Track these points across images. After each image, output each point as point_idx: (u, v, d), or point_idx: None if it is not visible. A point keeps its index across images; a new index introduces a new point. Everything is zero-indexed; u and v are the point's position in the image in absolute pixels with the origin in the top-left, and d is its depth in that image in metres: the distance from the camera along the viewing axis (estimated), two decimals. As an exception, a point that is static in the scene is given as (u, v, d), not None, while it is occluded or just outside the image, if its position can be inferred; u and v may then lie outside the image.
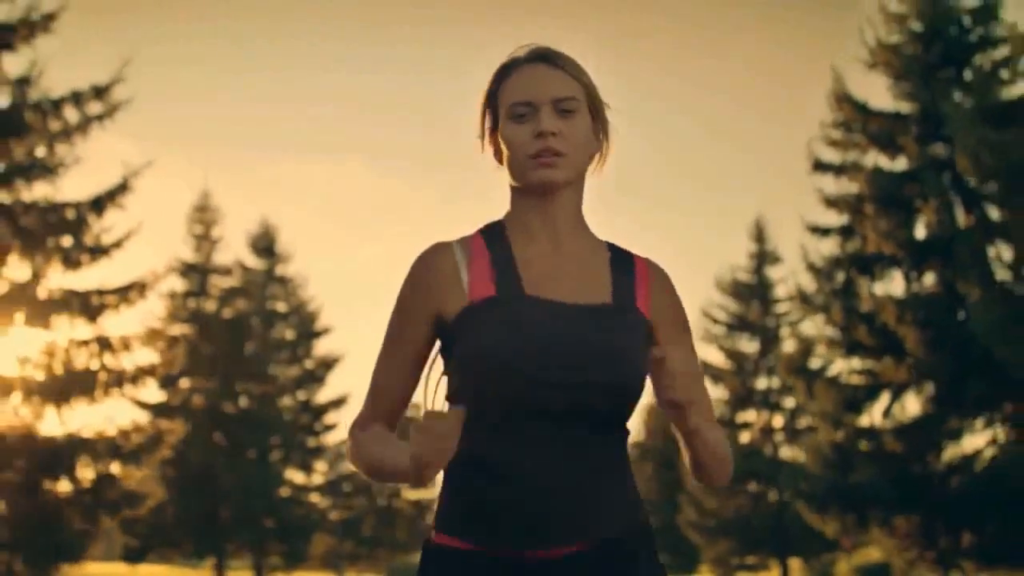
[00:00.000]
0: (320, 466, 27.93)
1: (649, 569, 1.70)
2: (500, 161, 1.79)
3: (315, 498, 27.60)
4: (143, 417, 20.32)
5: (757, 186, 34.20)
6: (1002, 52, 13.45)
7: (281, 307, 27.92)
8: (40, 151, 12.32)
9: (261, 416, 25.52)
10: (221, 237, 25.52)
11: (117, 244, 13.23)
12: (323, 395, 27.60)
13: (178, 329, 24.03)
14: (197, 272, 24.95)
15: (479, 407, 1.66)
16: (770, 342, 26.59)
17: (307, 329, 27.88)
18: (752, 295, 27.56)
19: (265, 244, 27.98)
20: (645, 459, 37.32)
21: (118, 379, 12.63)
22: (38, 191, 12.51)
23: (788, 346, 15.12)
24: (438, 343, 1.75)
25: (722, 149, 38.77)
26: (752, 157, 39.82)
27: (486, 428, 1.66)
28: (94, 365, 12.59)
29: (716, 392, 27.62)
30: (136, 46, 34.87)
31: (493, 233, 1.78)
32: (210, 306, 25.09)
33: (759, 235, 28.17)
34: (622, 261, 1.79)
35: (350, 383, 33.85)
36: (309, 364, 27.69)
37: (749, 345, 27.18)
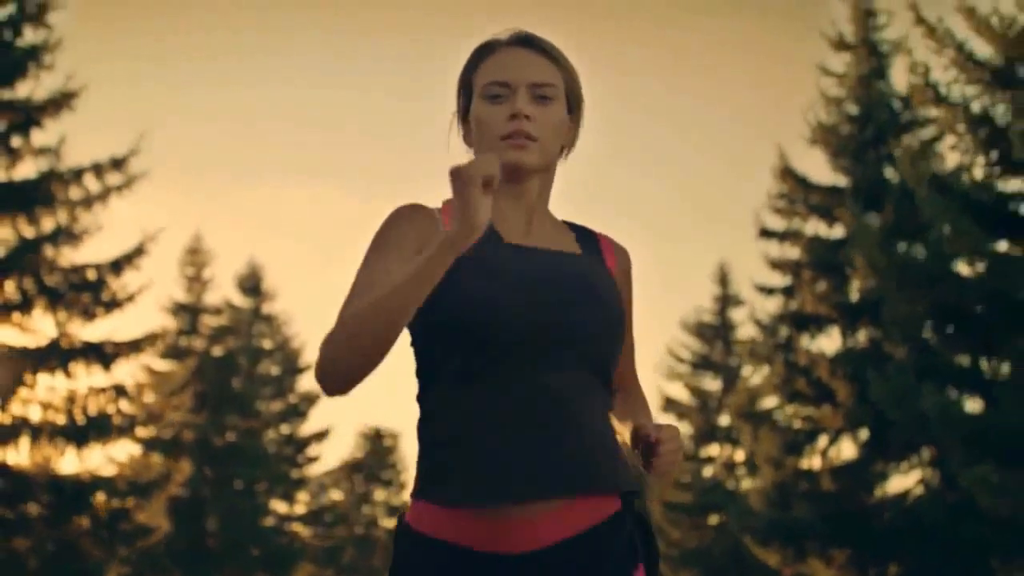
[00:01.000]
0: (303, 496, 29.34)
1: (637, 551, 1.66)
2: (469, 144, 1.77)
3: (298, 527, 28.95)
4: (135, 450, 21.65)
5: (723, 232, 35.93)
6: (930, 132, 15.15)
7: (267, 344, 29.36)
8: (63, 218, 13.78)
9: (247, 449, 26.89)
10: (212, 278, 26.96)
11: (130, 298, 14.72)
12: (306, 428, 29.01)
13: (168, 366, 25.40)
14: (188, 312, 26.37)
15: (460, 354, 1.62)
16: (732, 381, 28.20)
17: (291, 365, 29.31)
18: (715, 336, 29.22)
19: (252, 284, 29.42)
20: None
21: (131, 423, 14.08)
22: (62, 252, 13.97)
23: (739, 394, 16.69)
24: None
25: (693, 201, 40.55)
26: (718, 207, 41.67)
27: (467, 374, 1.61)
28: (110, 409, 14.03)
29: (682, 427, 29.14)
30: (150, 116, 36.55)
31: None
32: (200, 344, 26.48)
33: (722, 279, 29.84)
34: (586, 236, 1.81)
35: (331, 418, 35.30)
36: (293, 399, 29.12)
37: (712, 383, 28.82)
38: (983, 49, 9.60)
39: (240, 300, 29.15)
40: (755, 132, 36.67)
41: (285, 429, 28.72)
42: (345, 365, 1.55)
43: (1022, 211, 8.83)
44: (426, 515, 1.63)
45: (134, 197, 14.44)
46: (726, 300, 29.54)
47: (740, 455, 28.00)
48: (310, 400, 29.04)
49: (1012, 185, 8.48)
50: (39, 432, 13.46)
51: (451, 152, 1.79)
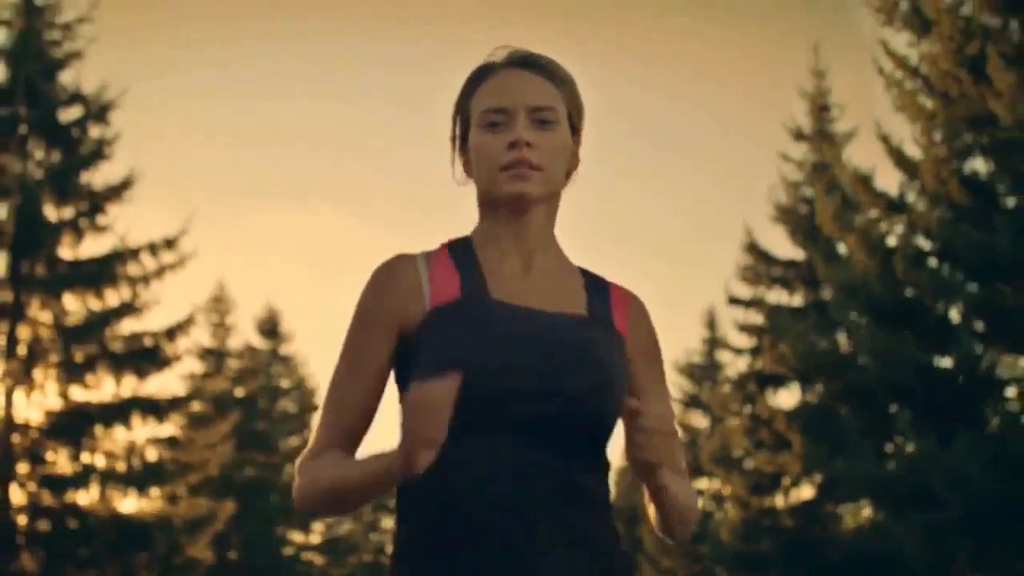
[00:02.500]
0: (317, 527, 31.67)
1: None
2: (469, 174, 1.68)
3: (313, 556, 31.27)
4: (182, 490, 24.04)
5: (715, 275, 38.33)
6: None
7: (284, 383, 31.78)
8: (126, 294, 16.21)
9: (267, 483, 29.26)
10: (235, 324, 29.40)
11: (179, 358, 17.12)
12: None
13: (197, 406, 27.81)
14: (214, 356, 28.79)
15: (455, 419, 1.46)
16: (719, 419, 30.57)
17: (307, 403, 31.76)
18: (704, 376, 31.55)
19: (270, 327, 31.84)
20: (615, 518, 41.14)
21: (183, 468, 16.47)
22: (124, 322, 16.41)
23: (712, 440, 19.05)
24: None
25: (682, 245, 42.88)
26: (712, 255, 44.05)
27: (452, 445, 1.47)
28: (164, 456, 16.42)
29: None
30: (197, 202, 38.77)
31: (459, 245, 1.67)
32: (225, 385, 28.88)
33: (710, 323, 32.21)
34: (596, 284, 1.69)
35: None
36: (308, 435, 31.49)
37: (701, 421, 31.16)
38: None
39: (259, 342, 31.59)
40: (726, 204, 39.45)
41: (301, 464, 31.07)
42: (317, 513, 1.60)
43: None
44: None
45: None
46: (713, 343, 31.90)
47: (728, 489, 30.44)
48: (324, 436, 31.42)
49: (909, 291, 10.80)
50: (105, 477, 15.83)
51: (456, 184, 1.71)
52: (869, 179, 12.46)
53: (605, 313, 1.65)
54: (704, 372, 32.01)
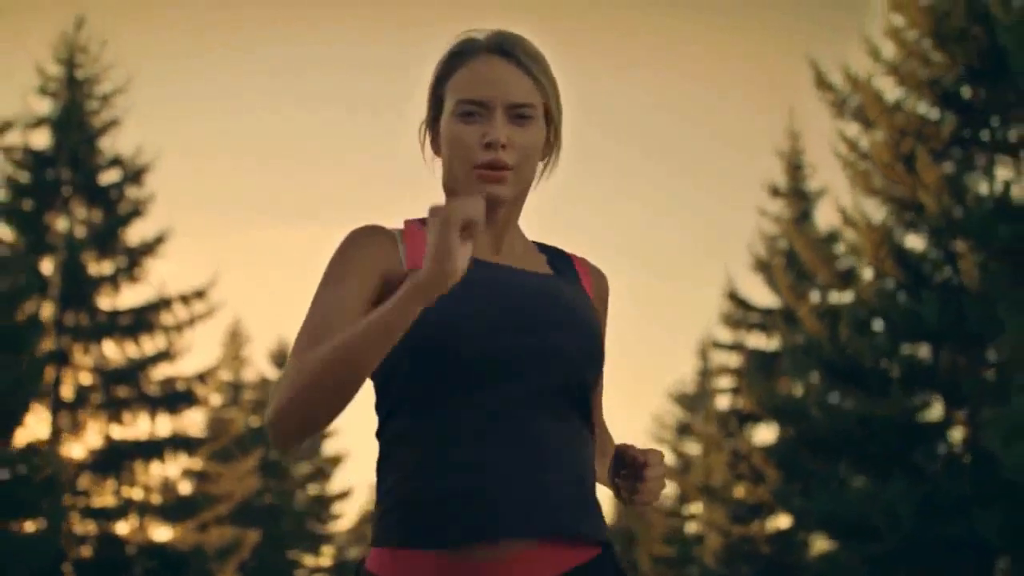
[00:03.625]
0: (328, 550, 33.37)
1: None
2: (436, 153, 1.65)
3: (323, 578, 32.96)
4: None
5: (705, 309, 40.20)
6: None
7: (295, 412, 33.56)
8: (161, 343, 17.99)
9: (279, 509, 30.98)
10: (249, 357, 31.19)
11: (207, 399, 18.87)
12: (330, 489, 33.10)
13: (204, 431, 29.62)
14: (231, 388, 30.56)
15: (421, 382, 1.51)
16: (712, 447, 32.33)
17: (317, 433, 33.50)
18: (697, 405, 33.30)
19: (281, 358, 33.60)
20: (613, 539, 42.79)
21: (212, 500, 18.21)
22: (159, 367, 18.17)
23: (696, 472, 20.76)
24: None
25: (675, 284, 44.63)
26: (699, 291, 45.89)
27: (430, 405, 1.50)
28: (195, 489, 18.17)
29: (668, 488, 33.13)
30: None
31: (424, 223, 1.65)
32: (240, 416, 30.65)
33: (703, 354, 33.97)
34: (559, 258, 1.71)
35: (353, 478, 39.34)
36: (319, 462, 33.23)
37: (694, 448, 32.88)
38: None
39: (271, 373, 33.35)
40: (709, 252, 41.46)
41: (312, 489, 32.81)
42: (300, 417, 1.42)
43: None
44: (388, 560, 1.51)
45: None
46: (706, 373, 33.63)
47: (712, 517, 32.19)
48: (334, 462, 33.16)
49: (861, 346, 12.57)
50: (142, 509, 17.57)
51: (428, 165, 1.66)
52: (828, 247, 14.21)
53: (573, 276, 1.67)
54: (696, 401, 33.79)
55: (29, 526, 12.47)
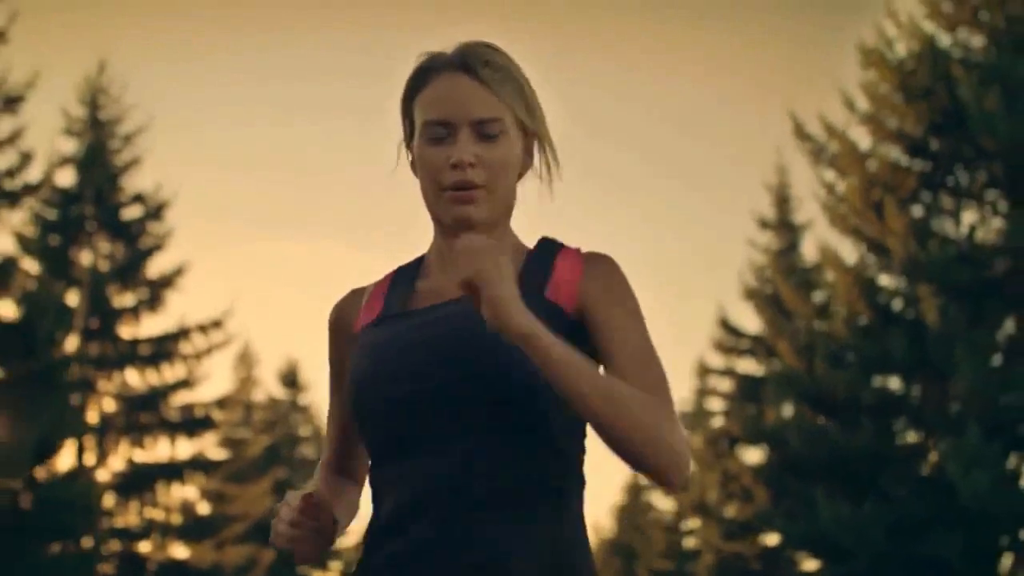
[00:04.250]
0: (335, 566, 34.40)
1: None
2: (415, 172, 1.63)
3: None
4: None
5: (704, 326, 41.31)
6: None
7: (303, 431, 34.61)
8: (181, 372, 19.07)
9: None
10: (259, 377, 32.25)
11: (224, 422, 19.94)
12: (337, 505, 34.14)
13: (221, 454, 30.70)
14: (243, 407, 31.61)
15: (368, 444, 1.56)
16: (705, 467, 33.36)
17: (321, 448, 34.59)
18: (696, 425, 34.35)
19: (290, 378, 34.70)
20: (614, 554, 43.79)
21: (229, 521, 19.27)
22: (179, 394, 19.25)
23: (690, 491, 21.77)
24: None
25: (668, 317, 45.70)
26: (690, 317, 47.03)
27: (373, 466, 1.56)
28: (214, 510, 19.23)
29: (665, 503, 34.23)
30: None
31: (406, 268, 1.69)
32: (251, 435, 31.72)
33: (701, 372, 35.01)
34: (544, 256, 1.61)
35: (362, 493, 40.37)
36: (326, 479, 34.35)
37: (692, 466, 33.88)
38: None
39: (280, 392, 34.43)
40: (711, 266, 42.66)
41: (320, 506, 33.83)
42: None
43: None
44: None
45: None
46: (703, 392, 34.65)
47: (706, 535, 33.24)
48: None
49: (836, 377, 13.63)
50: (165, 530, 18.63)
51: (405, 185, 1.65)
52: (808, 282, 15.27)
53: (537, 285, 1.55)
54: (694, 420, 34.80)
55: (67, 548, 13.49)
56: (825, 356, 13.73)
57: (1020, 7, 13.42)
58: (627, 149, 39.47)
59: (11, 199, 12.59)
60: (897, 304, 13.49)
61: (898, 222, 12.79)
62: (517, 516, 1.46)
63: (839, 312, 13.97)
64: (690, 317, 47.83)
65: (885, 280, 13.76)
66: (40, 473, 13.26)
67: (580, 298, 1.56)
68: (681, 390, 42.70)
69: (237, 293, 20.24)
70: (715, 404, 21.34)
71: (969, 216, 13.97)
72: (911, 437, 13.31)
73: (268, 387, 34.86)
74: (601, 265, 1.59)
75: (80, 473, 17.63)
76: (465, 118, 1.55)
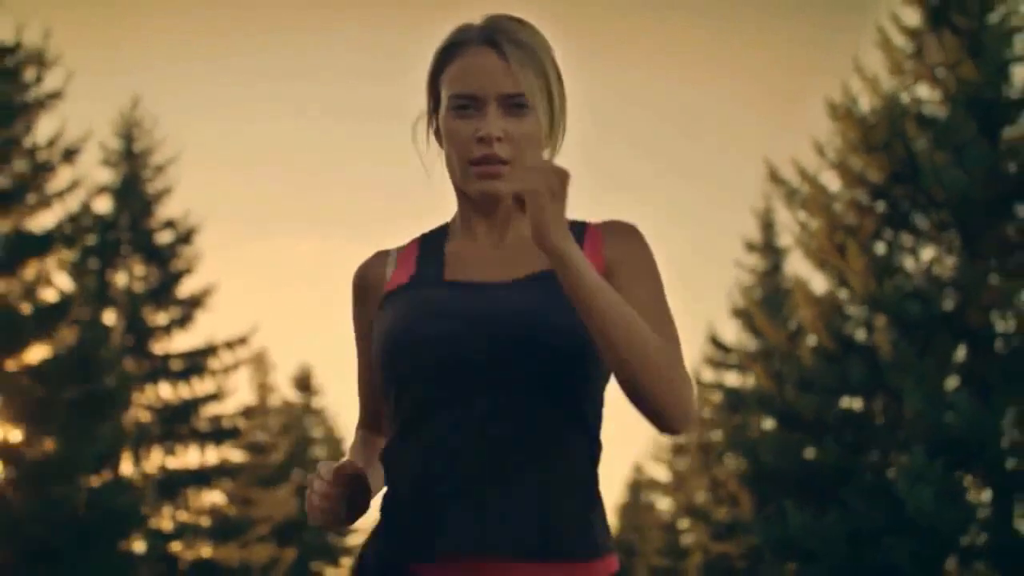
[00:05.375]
0: (345, 561, 36.18)
1: None
2: (441, 145, 1.68)
3: (343, 588, 35.79)
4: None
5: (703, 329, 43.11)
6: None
7: (316, 432, 36.41)
8: (210, 386, 20.85)
9: (304, 524, 33.82)
10: (274, 384, 34.03)
11: (248, 430, 21.71)
12: (349, 504, 35.93)
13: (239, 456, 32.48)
14: (258, 412, 33.39)
15: (395, 402, 1.59)
16: (695, 472, 35.16)
17: (337, 452, 36.32)
18: (690, 431, 36.09)
19: (304, 383, 36.49)
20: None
21: (254, 522, 21.04)
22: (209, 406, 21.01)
23: (682, 494, 23.52)
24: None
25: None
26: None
27: (401, 424, 1.58)
28: (239, 512, 21.00)
29: (662, 503, 35.99)
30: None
31: (432, 234, 1.74)
32: (267, 438, 33.49)
33: (696, 378, 36.77)
34: (572, 231, 1.66)
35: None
36: (338, 480, 36.14)
37: (686, 464, 35.70)
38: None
39: (294, 396, 36.23)
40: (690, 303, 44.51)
41: (332, 505, 35.64)
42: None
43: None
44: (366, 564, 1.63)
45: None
46: (701, 388, 36.45)
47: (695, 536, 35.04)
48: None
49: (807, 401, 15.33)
50: (195, 531, 20.41)
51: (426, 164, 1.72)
52: (781, 309, 16.99)
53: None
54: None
55: (119, 549, 15.25)
56: (794, 380, 15.46)
57: (972, 69, 15.10)
58: (632, 156, 41.09)
59: (68, 242, 14.28)
60: (859, 334, 15.21)
61: (859, 262, 14.51)
62: (548, 477, 1.50)
63: (808, 338, 15.71)
64: (689, 330, 49.58)
65: (849, 311, 15.47)
66: (93, 481, 15.01)
67: (606, 265, 1.62)
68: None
69: (243, 292, 21.76)
70: (706, 412, 23.09)
71: (928, 253, 15.66)
72: (870, 454, 15.01)
73: (283, 391, 36.73)
74: (620, 232, 1.66)
75: (120, 481, 19.41)
76: (493, 92, 1.58)
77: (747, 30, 36.76)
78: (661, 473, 36.16)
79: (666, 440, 36.32)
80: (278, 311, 47.09)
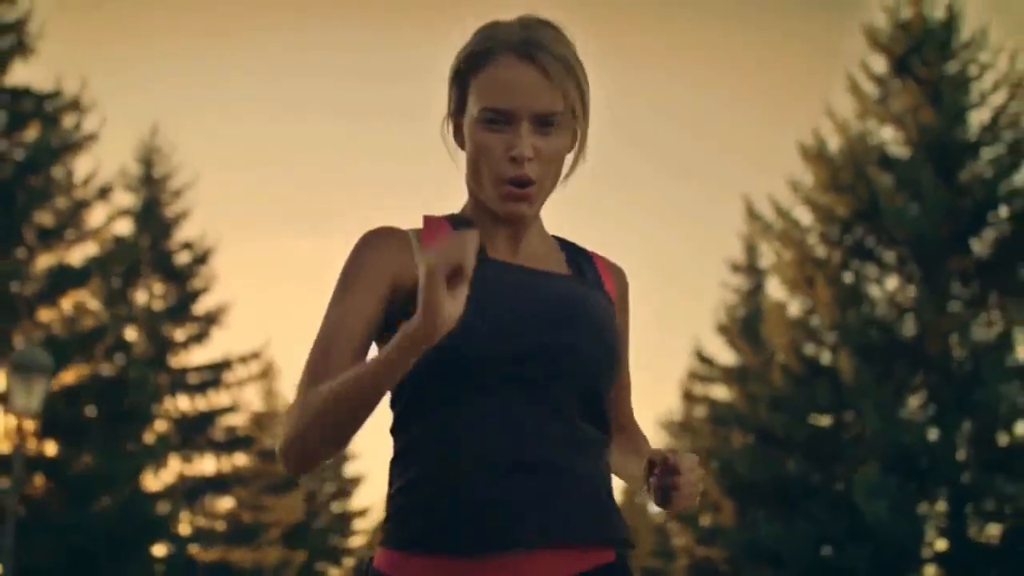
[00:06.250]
0: (348, 562, 37.71)
1: None
2: (461, 145, 1.68)
3: (346, 587, 37.31)
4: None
5: (695, 330, 44.54)
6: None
7: (320, 437, 37.94)
8: (226, 399, 22.35)
9: (305, 526, 35.35)
10: (280, 390, 35.51)
11: (257, 438, 23.22)
12: (351, 506, 37.46)
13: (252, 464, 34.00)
14: (267, 418, 34.90)
15: (436, 384, 1.55)
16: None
17: (341, 456, 37.86)
18: (682, 431, 37.59)
19: (308, 389, 38.00)
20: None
21: (266, 527, 22.55)
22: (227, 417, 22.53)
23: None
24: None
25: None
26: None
27: (445, 405, 1.55)
28: (253, 519, 22.52)
29: (654, 507, 37.40)
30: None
31: (459, 220, 1.70)
32: (273, 443, 35.01)
33: (687, 395, 38.24)
34: (578, 255, 1.75)
35: (372, 497, 43.78)
36: (341, 483, 37.60)
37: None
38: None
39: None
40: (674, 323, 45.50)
41: (335, 507, 37.16)
42: (307, 450, 1.50)
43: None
44: (398, 561, 1.56)
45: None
46: (691, 399, 37.94)
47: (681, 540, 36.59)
48: (355, 483, 37.54)
49: (777, 419, 16.82)
50: (211, 535, 21.91)
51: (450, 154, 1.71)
52: (758, 332, 18.49)
53: (594, 275, 1.72)
54: (682, 428, 38.10)
55: (151, 552, 16.76)
56: (767, 399, 16.98)
57: (931, 115, 16.61)
58: (634, 156, 42.26)
59: (103, 272, 15.74)
60: (825, 357, 16.74)
61: (826, 292, 16.05)
62: (592, 464, 1.59)
63: (779, 361, 17.23)
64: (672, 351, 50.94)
65: (817, 336, 16.99)
66: (125, 492, 16.51)
67: (612, 305, 1.72)
68: (672, 398, 46.03)
69: (234, 273, 23.24)
70: (695, 423, 24.61)
71: (892, 283, 17.18)
72: (834, 470, 16.52)
73: (288, 397, 38.19)
74: (625, 281, 1.80)
75: (149, 492, 20.89)
76: (528, 110, 1.58)
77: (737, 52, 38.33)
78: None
79: (657, 445, 37.76)
80: (278, 311, 48.20)
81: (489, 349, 1.53)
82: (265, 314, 47.80)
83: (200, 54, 37.09)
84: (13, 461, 10.52)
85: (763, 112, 40.38)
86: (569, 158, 1.67)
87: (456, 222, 1.69)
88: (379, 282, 1.60)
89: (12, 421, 13.53)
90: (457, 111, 1.66)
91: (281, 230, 45.61)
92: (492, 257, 1.63)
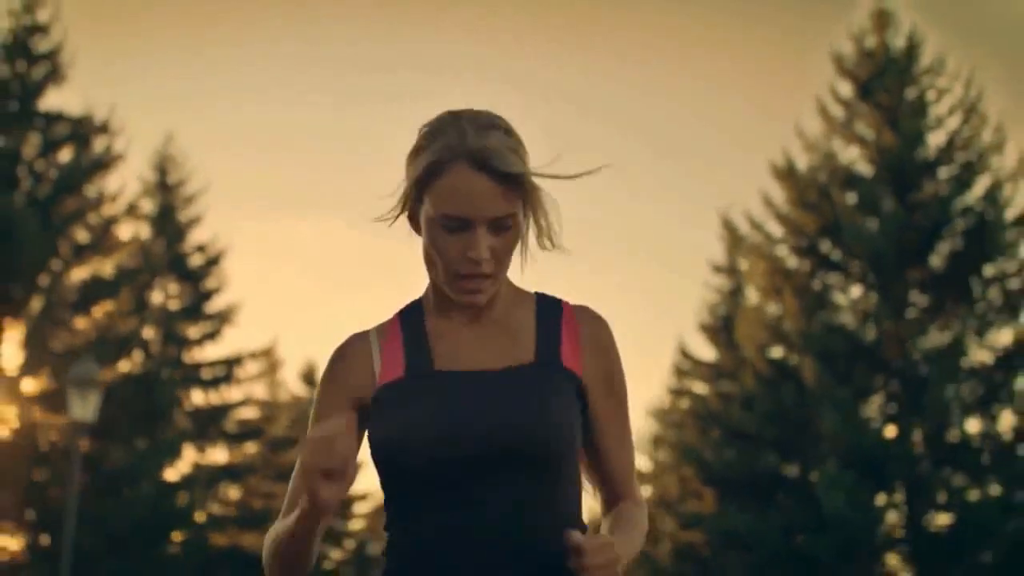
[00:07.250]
0: (349, 544, 39.46)
1: None
2: (417, 230, 1.79)
3: (346, 571, 39.11)
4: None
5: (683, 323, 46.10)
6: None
7: (321, 425, 39.61)
8: (238, 395, 23.98)
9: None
10: (283, 379, 37.18)
11: (270, 430, 24.89)
12: (351, 491, 39.15)
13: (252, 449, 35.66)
14: (270, 407, 36.55)
15: (391, 486, 1.74)
16: (671, 467, 38.45)
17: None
18: (668, 420, 39.33)
19: (311, 378, 39.61)
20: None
21: (276, 513, 24.21)
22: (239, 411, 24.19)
23: (657, 488, 26.72)
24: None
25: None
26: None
27: (401, 504, 1.73)
28: (264, 505, 24.20)
29: (644, 492, 39.27)
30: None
31: (411, 314, 1.84)
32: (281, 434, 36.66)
33: (671, 388, 39.93)
34: (548, 317, 1.82)
35: (372, 482, 45.47)
36: (342, 468, 39.38)
37: (664, 457, 38.96)
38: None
39: (300, 389, 39.39)
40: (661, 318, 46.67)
41: (336, 492, 38.83)
42: (276, 558, 1.73)
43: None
44: None
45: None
46: (680, 392, 39.68)
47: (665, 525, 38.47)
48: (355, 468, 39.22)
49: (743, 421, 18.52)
50: (224, 521, 23.59)
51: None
52: (730, 338, 20.17)
53: (554, 351, 1.77)
54: (668, 416, 39.82)
55: (174, 540, 18.45)
56: (739, 398, 18.67)
57: (891, 137, 18.24)
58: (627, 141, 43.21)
59: (131, 283, 17.36)
60: (793, 360, 18.44)
61: (793, 302, 17.72)
62: (545, 535, 1.68)
63: (749, 363, 18.92)
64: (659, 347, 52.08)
65: (785, 341, 18.67)
66: (154, 484, 18.20)
67: (583, 367, 1.78)
68: (659, 387, 47.73)
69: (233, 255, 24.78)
70: (678, 415, 26.35)
71: (855, 291, 18.83)
72: (799, 465, 18.23)
73: (291, 386, 39.87)
74: (603, 330, 1.82)
75: (174, 484, 22.55)
76: (483, 217, 1.68)
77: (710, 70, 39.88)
78: (643, 464, 39.35)
79: (646, 432, 39.71)
80: (276, 295, 49.22)
81: (424, 458, 1.67)
82: (265, 292, 48.38)
83: (208, 45, 37.98)
84: (71, 465, 12.15)
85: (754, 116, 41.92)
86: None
87: (405, 324, 1.83)
88: (344, 403, 1.80)
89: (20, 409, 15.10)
90: (415, 200, 1.76)
91: (279, 212, 46.26)
92: (441, 369, 1.76)
